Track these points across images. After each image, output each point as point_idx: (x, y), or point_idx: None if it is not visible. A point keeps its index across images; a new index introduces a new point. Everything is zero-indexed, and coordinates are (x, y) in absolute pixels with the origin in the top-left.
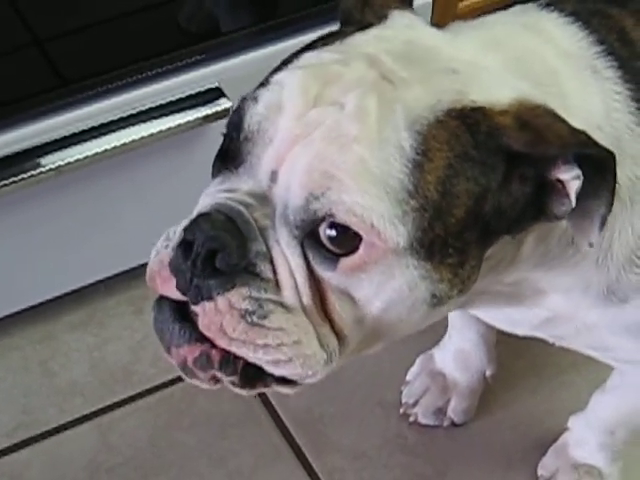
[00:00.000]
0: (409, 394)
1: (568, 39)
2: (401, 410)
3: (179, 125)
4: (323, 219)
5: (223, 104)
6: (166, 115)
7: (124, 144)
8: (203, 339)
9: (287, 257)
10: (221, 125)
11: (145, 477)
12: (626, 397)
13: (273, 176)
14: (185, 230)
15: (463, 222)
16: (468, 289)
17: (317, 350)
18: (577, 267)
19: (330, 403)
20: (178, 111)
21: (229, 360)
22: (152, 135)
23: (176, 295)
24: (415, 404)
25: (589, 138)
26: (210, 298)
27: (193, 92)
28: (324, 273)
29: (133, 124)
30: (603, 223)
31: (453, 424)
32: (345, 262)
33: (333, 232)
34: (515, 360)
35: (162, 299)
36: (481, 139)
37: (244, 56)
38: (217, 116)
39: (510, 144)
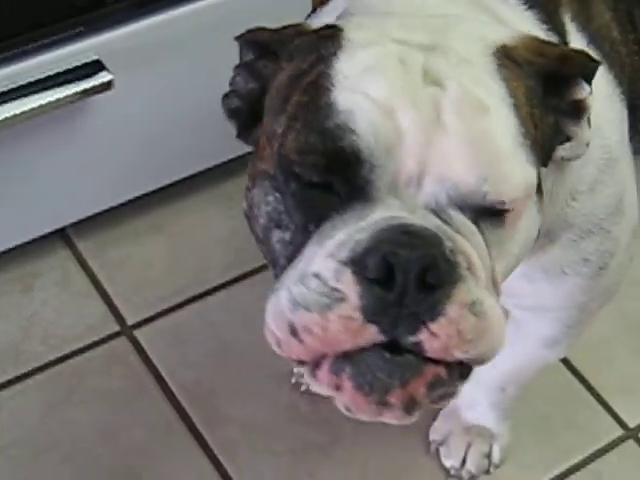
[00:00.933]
0: None
1: None
2: (293, 380)
3: (60, 99)
4: (491, 204)
5: (103, 77)
6: (47, 89)
7: (5, 119)
8: (428, 362)
9: (473, 243)
10: (103, 98)
11: (37, 455)
12: (519, 350)
13: (414, 179)
14: (369, 267)
15: (542, 151)
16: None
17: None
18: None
19: (222, 376)
20: (59, 85)
21: (453, 368)
22: (33, 110)
23: (377, 340)
24: None
25: (588, 54)
26: (439, 314)
27: (73, 66)
28: (493, 235)
29: (13, 99)
30: (589, 123)
31: None
32: (510, 217)
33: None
34: None
35: (352, 353)
36: (526, 70)
37: (125, 28)
38: (98, 89)
39: (543, 68)
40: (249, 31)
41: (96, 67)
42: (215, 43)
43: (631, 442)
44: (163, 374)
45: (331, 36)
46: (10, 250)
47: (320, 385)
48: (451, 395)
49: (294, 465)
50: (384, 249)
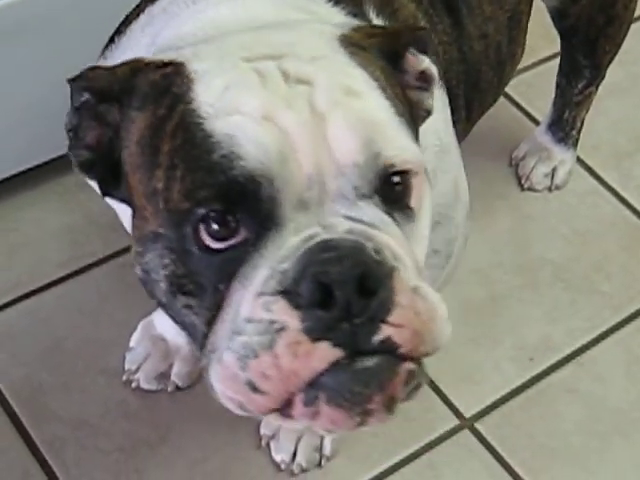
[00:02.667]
0: (131, 360)
1: None
2: (124, 377)
3: None
4: (385, 171)
5: None
6: None
7: None
8: (398, 360)
9: (389, 233)
10: None
11: None
12: None
13: (312, 180)
14: (303, 293)
15: (414, 128)
16: None
17: None
18: None
19: (50, 372)
20: None
21: (419, 363)
22: None
23: (334, 356)
24: (137, 370)
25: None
26: (391, 307)
27: None
28: (409, 228)
29: None
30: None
31: (177, 388)
32: (414, 200)
33: (397, 178)
34: None
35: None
36: (372, 52)
37: None
38: None
39: (381, 47)
40: (81, 75)
41: None
42: (57, 29)
43: (466, 432)
44: None
45: (176, 72)
46: None
47: (297, 422)
48: (422, 384)
49: (122, 463)
50: (313, 272)
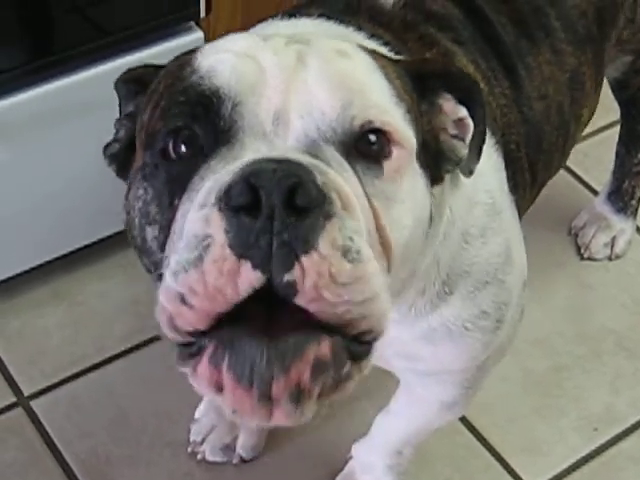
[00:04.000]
0: (197, 432)
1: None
2: (189, 449)
3: None
4: (362, 128)
5: None
6: None
7: None
8: (308, 342)
9: (344, 177)
10: None
11: None
12: (416, 413)
13: (279, 116)
14: (233, 196)
15: (420, 133)
16: (434, 222)
17: (386, 288)
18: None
19: (116, 444)
20: None
21: (337, 345)
22: None
23: (255, 281)
24: (203, 442)
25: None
26: (311, 247)
27: None
28: (373, 184)
29: None
30: (480, 151)
31: (242, 460)
32: (388, 165)
33: (373, 137)
34: None
35: (231, 336)
36: (393, 62)
37: (10, 99)
38: None
39: (407, 69)
40: (125, 73)
41: None
42: (98, 112)
43: None
44: (58, 445)
45: (192, 51)
46: None
47: (201, 383)
48: (343, 382)
49: None
50: (244, 174)
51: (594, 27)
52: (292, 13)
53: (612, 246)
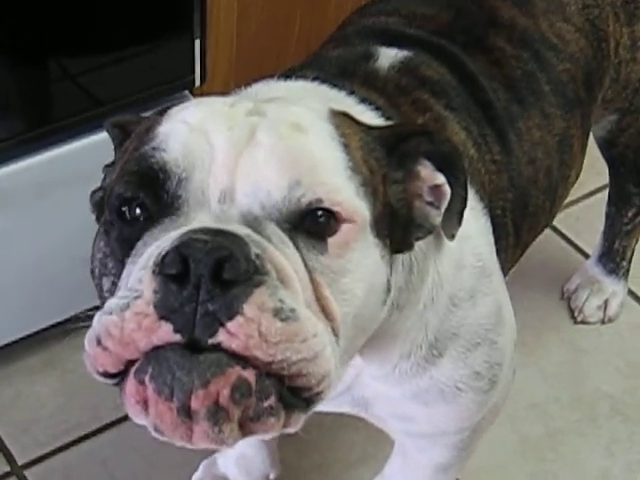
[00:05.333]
0: None
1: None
2: None
3: None
4: (309, 206)
5: None
6: None
7: None
8: (233, 362)
9: (284, 252)
10: None
11: None
12: (410, 477)
13: (225, 194)
14: (165, 263)
15: (384, 203)
16: (395, 288)
17: (330, 349)
18: (418, 311)
19: None
20: None
21: (264, 379)
22: None
23: (173, 340)
24: None
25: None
26: (235, 313)
27: None
28: (317, 260)
29: None
30: (461, 217)
31: None
32: (333, 241)
33: (320, 215)
34: (300, 459)
35: (152, 353)
36: (365, 129)
37: (6, 168)
38: None
39: (382, 136)
40: (114, 117)
41: None
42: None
43: None
44: None
45: (165, 109)
46: None
47: (129, 402)
48: (266, 417)
49: None
50: (177, 244)
51: (582, 90)
52: (288, 75)
53: (605, 309)
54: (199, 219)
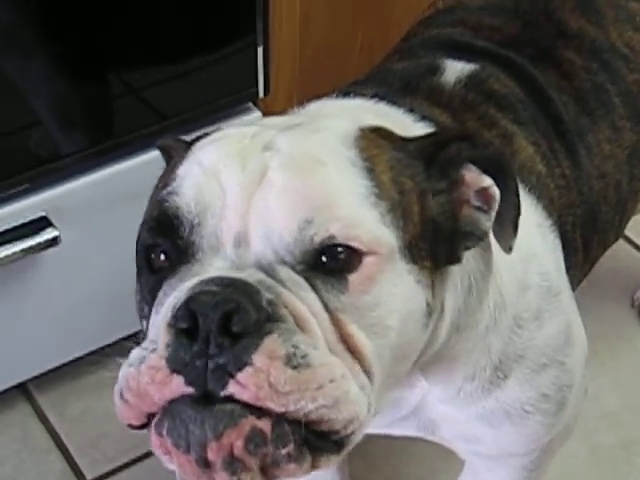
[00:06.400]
0: None
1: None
2: None
3: (7, 256)
4: (322, 244)
5: (49, 234)
6: None
7: None
8: (246, 413)
9: (299, 296)
10: (52, 253)
11: None
12: None
13: (239, 238)
14: (177, 318)
15: (421, 221)
16: (440, 309)
17: (358, 391)
18: (478, 332)
19: None
20: (6, 242)
21: (281, 426)
22: None
23: (185, 391)
24: None
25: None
26: (244, 364)
27: (19, 223)
28: (338, 299)
29: None
30: (516, 226)
31: None
32: (354, 279)
33: (336, 253)
34: (370, 473)
35: (171, 405)
36: (398, 145)
37: (70, 184)
38: (44, 246)
39: (419, 148)
40: (163, 138)
41: (42, 223)
42: None
43: None
44: None
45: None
46: None
47: (156, 451)
48: (286, 462)
49: None
50: (186, 299)
51: None
52: (347, 92)
53: None
54: (215, 266)
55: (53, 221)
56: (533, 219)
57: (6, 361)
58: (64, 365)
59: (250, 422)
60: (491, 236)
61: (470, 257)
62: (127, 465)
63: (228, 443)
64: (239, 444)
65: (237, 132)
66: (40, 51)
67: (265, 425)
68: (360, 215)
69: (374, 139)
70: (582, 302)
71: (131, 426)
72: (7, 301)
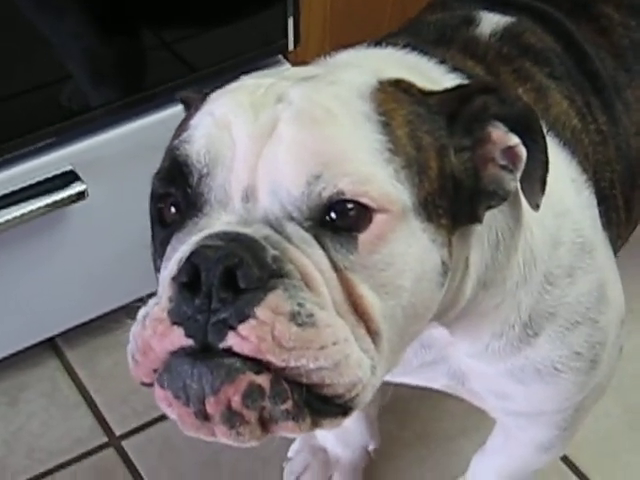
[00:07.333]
0: (291, 471)
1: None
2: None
3: (34, 210)
4: (330, 200)
5: (77, 187)
6: (22, 201)
7: None
8: (245, 368)
9: (307, 253)
10: (79, 207)
11: None
12: (512, 455)
13: (247, 192)
14: (180, 271)
15: (440, 178)
16: (465, 265)
17: (361, 354)
18: (506, 289)
19: None
20: (34, 196)
21: (280, 383)
22: (8, 222)
23: (185, 344)
24: None
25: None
26: (246, 317)
27: (46, 177)
28: (347, 259)
29: None
30: (544, 184)
31: None
32: (364, 238)
33: (345, 210)
34: (401, 431)
35: (169, 359)
36: (418, 99)
37: (97, 137)
38: (72, 199)
39: (441, 102)
40: (182, 91)
41: (70, 177)
42: None
43: None
44: None
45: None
46: None
47: (159, 403)
48: (285, 418)
49: None
50: (190, 253)
51: None
52: (378, 42)
53: None
54: (222, 220)
55: (80, 175)
56: (567, 174)
57: (35, 316)
58: (93, 320)
59: (248, 377)
60: (520, 193)
61: (498, 213)
62: (156, 420)
63: (226, 398)
64: (237, 399)
65: (252, 83)
66: (71, 7)
67: (264, 381)
68: (371, 171)
69: (393, 92)
70: (620, 260)
71: (144, 384)
72: (35, 256)
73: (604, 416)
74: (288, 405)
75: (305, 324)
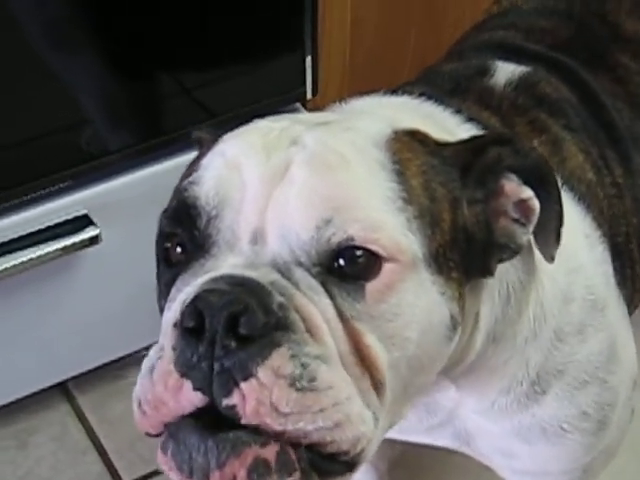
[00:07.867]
0: None
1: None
2: None
3: (49, 253)
4: (340, 246)
5: (91, 232)
6: (34, 244)
7: None
8: (250, 443)
9: (312, 300)
10: (93, 251)
11: None
12: None
13: (256, 235)
14: (184, 316)
15: (452, 230)
16: (475, 319)
17: (363, 409)
18: (516, 344)
19: None
20: (45, 240)
21: (286, 454)
22: (23, 264)
23: (196, 401)
24: None
25: (524, 146)
26: (250, 374)
27: (60, 220)
28: (353, 308)
29: (2, 254)
30: (559, 235)
31: None
32: (372, 286)
33: (354, 257)
34: None
35: (177, 426)
36: (433, 150)
37: (114, 181)
38: (85, 244)
39: (456, 154)
40: (196, 131)
41: (84, 222)
42: None
43: None
44: None
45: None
46: (5, 405)
47: (162, 467)
48: None
49: None
50: (194, 297)
51: None
52: (394, 90)
53: None
54: (229, 262)
55: (94, 219)
56: (581, 229)
57: (47, 359)
58: (105, 365)
59: (253, 452)
60: (533, 245)
61: (510, 266)
62: None
63: (231, 473)
64: (242, 474)
65: (265, 125)
66: (91, 51)
67: (269, 454)
68: (383, 218)
69: (407, 142)
70: (635, 317)
71: (149, 434)
72: (48, 299)
73: (619, 473)
74: (295, 477)
75: (304, 389)
